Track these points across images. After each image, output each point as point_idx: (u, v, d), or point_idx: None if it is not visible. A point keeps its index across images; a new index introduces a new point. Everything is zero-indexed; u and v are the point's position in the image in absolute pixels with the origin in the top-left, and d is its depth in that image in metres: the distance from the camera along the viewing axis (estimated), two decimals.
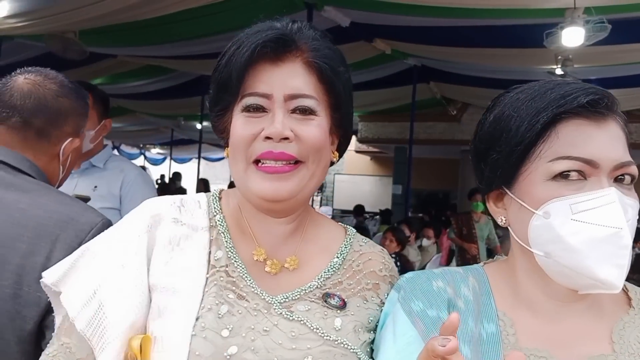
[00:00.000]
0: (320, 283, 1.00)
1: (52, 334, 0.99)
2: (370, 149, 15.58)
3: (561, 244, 0.83)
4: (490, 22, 5.58)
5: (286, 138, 0.93)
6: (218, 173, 22.38)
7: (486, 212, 6.66)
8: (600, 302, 0.91)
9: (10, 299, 1.19)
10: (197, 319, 0.89)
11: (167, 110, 11.96)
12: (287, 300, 0.96)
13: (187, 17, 5.66)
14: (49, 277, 0.98)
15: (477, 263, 1.03)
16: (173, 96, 10.43)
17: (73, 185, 2.39)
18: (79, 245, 1.29)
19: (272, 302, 0.95)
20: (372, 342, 0.97)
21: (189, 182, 15.77)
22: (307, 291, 0.98)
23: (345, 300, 0.98)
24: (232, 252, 0.99)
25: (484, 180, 0.96)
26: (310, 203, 1.13)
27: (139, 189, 2.49)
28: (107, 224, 1.38)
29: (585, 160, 0.83)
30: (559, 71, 6.14)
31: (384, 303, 1.01)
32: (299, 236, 1.05)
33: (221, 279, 0.95)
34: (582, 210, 0.82)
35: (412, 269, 3.97)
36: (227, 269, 0.97)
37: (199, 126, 11.86)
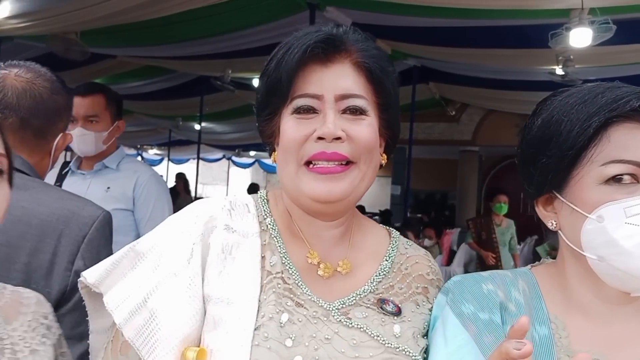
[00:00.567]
0: (372, 287, 0.99)
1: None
2: None
3: (615, 247, 0.83)
4: (491, 22, 5.59)
5: (338, 138, 0.93)
6: (215, 174, 22.34)
7: (507, 215, 6.41)
8: None
9: None
10: (256, 329, 0.87)
11: (166, 111, 11.93)
12: (343, 306, 0.95)
13: (190, 18, 5.66)
14: (89, 276, 0.95)
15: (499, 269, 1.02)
16: (172, 97, 10.41)
17: (86, 186, 2.39)
18: (83, 239, 1.30)
19: (330, 309, 0.94)
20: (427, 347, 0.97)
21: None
22: (361, 296, 0.97)
23: (400, 306, 0.98)
24: (285, 258, 0.98)
25: (533, 184, 0.95)
26: None
27: (152, 190, 2.49)
28: (108, 216, 1.38)
29: (637, 164, 0.83)
30: (559, 71, 6.16)
31: (432, 306, 1.01)
32: (347, 240, 1.04)
33: (278, 285, 0.94)
34: (636, 213, 0.82)
35: None
36: (282, 275, 0.95)
37: (197, 127, 11.83)
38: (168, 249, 0.95)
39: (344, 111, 0.95)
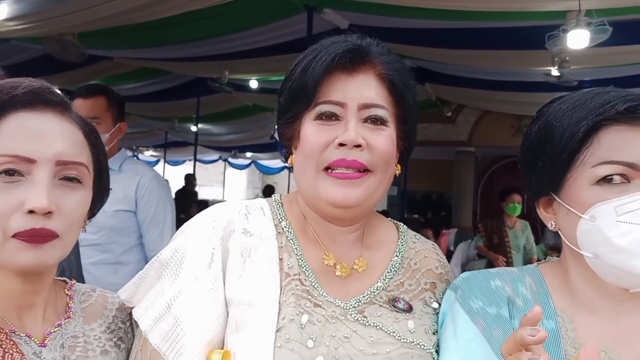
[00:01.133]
0: (384, 284, 1.02)
1: None
2: None
3: (609, 245, 0.86)
4: (487, 24, 5.62)
5: (359, 146, 0.95)
6: (211, 175, 22.31)
7: (521, 215, 5.96)
8: None
9: None
10: (277, 330, 0.89)
11: (162, 113, 11.91)
12: (359, 304, 0.98)
13: (187, 20, 5.66)
14: (122, 293, 1.00)
15: None
16: (168, 98, 10.41)
17: None
18: None
19: (347, 308, 0.96)
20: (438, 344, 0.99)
21: (182, 184, 15.71)
22: (375, 293, 1.00)
23: (410, 303, 1.01)
24: (302, 260, 1.00)
25: (532, 187, 0.99)
26: None
27: (154, 192, 2.50)
28: None
29: (626, 164, 0.86)
30: (555, 72, 6.19)
31: (439, 304, 1.04)
32: (361, 240, 1.07)
33: (297, 287, 0.96)
34: (627, 211, 0.85)
35: None
36: (300, 277, 0.98)
37: (194, 128, 11.82)
38: (188, 255, 0.97)
39: (365, 120, 0.98)
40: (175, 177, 17.28)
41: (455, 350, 0.93)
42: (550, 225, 0.98)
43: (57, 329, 0.94)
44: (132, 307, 0.99)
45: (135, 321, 0.99)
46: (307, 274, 0.99)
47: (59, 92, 0.91)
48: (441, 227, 8.36)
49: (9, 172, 0.82)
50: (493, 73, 7.56)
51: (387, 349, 0.93)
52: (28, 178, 0.83)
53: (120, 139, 2.56)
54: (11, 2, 5.16)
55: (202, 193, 19.31)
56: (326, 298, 0.97)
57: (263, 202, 1.09)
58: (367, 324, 0.96)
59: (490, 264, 5.99)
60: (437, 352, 0.98)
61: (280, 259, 0.99)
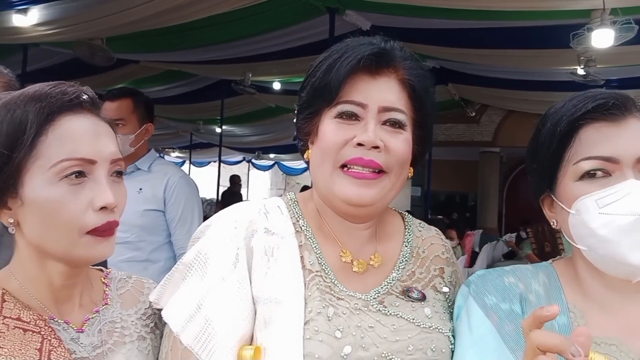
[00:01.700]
0: (398, 275, 1.06)
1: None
2: None
3: (595, 237, 0.90)
4: (511, 23, 5.57)
5: (376, 147, 0.98)
6: None
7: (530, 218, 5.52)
8: None
9: None
10: (306, 323, 0.93)
11: (187, 115, 12.09)
12: (379, 295, 1.02)
13: (211, 24, 5.76)
14: (152, 295, 1.04)
15: None
16: (193, 100, 10.55)
17: None
18: None
19: (368, 300, 1.00)
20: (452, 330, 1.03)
21: (207, 185, 15.90)
22: (391, 284, 1.04)
23: (423, 292, 1.05)
24: (321, 258, 1.03)
25: (533, 187, 1.03)
26: None
27: (182, 191, 2.56)
28: None
29: (604, 158, 0.91)
30: (581, 72, 6.10)
31: (448, 287, 1.08)
32: (374, 235, 1.10)
33: (320, 282, 1.00)
34: (607, 203, 0.89)
35: None
36: (320, 273, 1.01)
37: (218, 130, 11.96)
38: (212, 256, 1.00)
39: (384, 122, 1.00)
40: (200, 178, 17.50)
41: (470, 344, 0.96)
42: (553, 223, 1.01)
43: (94, 315, 0.99)
44: (159, 309, 1.03)
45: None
46: (326, 271, 1.02)
47: (94, 94, 0.96)
48: (465, 228, 8.28)
49: (74, 174, 0.88)
50: (517, 72, 7.47)
51: (408, 334, 0.97)
52: (90, 178, 0.89)
53: (148, 140, 2.62)
54: (42, 7, 5.33)
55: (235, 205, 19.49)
56: (347, 292, 1.01)
57: (279, 200, 1.12)
58: (388, 313, 1.00)
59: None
60: (453, 336, 1.01)
61: (302, 257, 1.02)
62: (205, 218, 1.23)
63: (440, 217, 11.11)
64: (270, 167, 20.18)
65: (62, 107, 0.89)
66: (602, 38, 4.53)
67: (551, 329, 0.92)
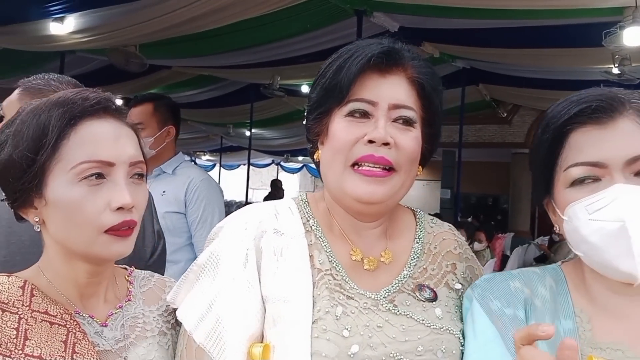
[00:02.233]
0: (410, 272, 1.06)
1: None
2: None
3: (587, 243, 0.89)
4: (542, 22, 5.48)
5: (387, 144, 0.99)
6: (264, 179, 22.69)
7: None
8: None
9: None
10: (314, 322, 0.94)
11: (218, 118, 12.27)
12: (389, 294, 1.02)
13: (241, 28, 5.85)
14: (169, 296, 1.07)
15: None
16: (223, 104, 10.70)
17: None
18: (153, 207, 1.58)
19: (378, 299, 1.01)
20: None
21: (237, 187, 16.08)
22: (403, 282, 1.04)
23: (435, 290, 1.05)
24: (332, 256, 1.05)
25: (534, 192, 1.03)
26: None
27: (203, 193, 2.60)
28: None
29: (590, 163, 0.89)
30: (615, 70, 5.95)
31: (461, 284, 1.07)
32: (385, 233, 1.11)
33: (329, 281, 1.01)
34: (596, 209, 0.87)
35: None
36: (331, 272, 1.02)
37: (247, 133, 12.10)
38: (223, 257, 1.03)
39: (395, 120, 1.01)
40: (230, 180, 17.70)
41: (474, 349, 0.96)
42: (556, 228, 0.99)
43: (118, 310, 1.03)
44: (176, 308, 1.06)
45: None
46: (337, 269, 1.03)
47: (117, 100, 1.01)
48: (495, 231, 8.15)
49: (96, 176, 0.92)
50: (550, 72, 7.33)
51: (418, 335, 0.97)
52: (109, 179, 0.93)
53: (175, 143, 2.67)
54: (77, 16, 5.51)
55: (256, 196, 19.70)
56: (357, 291, 1.01)
57: (290, 201, 1.14)
58: (397, 313, 0.99)
59: None
60: (464, 336, 1.01)
61: (311, 256, 1.03)
62: None
63: (470, 219, 10.98)
64: (299, 169, 20.26)
65: (83, 112, 0.93)
66: (634, 36, 4.42)
67: (557, 334, 0.91)
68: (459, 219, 9.60)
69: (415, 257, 1.09)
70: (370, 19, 5.55)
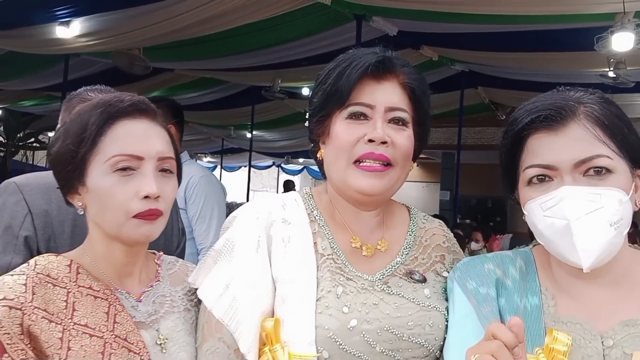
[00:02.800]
0: (402, 259, 1.19)
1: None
2: None
3: (542, 236, 1.01)
4: (538, 27, 5.58)
5: (385, 142, 1.12)
6: (265, 181, 22.82)
7: None
8: (634, 275, 1.04)
9: None
10: (317, 300, 1.08)
11: (219, 120, 12.37)
12: (383, 276, 1.16)
13: (243, 32, 5.95)
14: (190, 278, 1.21)
15: None
16: (225, 106, 10.81)
17: None
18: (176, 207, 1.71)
19: (374, 281, 1.14)
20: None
21: (238, 189, 16.18)
22: (395, 267, 1.18)
23: (424, 275, 1.18)
24: (333, 243, 1.18)
25: (503, 191, 1.15)
26: None
27: (202, 190, 2.72)
28: None
29: (544, 166, 1.00)
30: (611, 74, 6.06)
31: (447, 272, 1.20)
32: (382, 223, 1.24)
33: (331, 265, 1.14)
34: (548, 207, 0.98)
35: None
36: (332, 257, 1.15)
37: (249, 135, 12.20)
38: (238, 243, 1.16)
39: (390, 121, 1.15)
40: (231, 182, 17.79)
41: (453, 323, 1.09)
42: (524, 218, 1.08)
43: (149, 288, 1.18)
44: (197, 288, 1.19)
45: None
46: (338, 254, 1.16)
47: (150, 103, 1.14)
48: (493, 232, 8.24)
49: (124, 168, 1.05)
50: (547, 75, 7.43)
51: (409, 312, 1.11)
52: (138, 172, 1.06)
53: (180, 142, 2.76)
54: (83, 20, 5.63)
55: (256, 198, 19.78)
56: (355, 273, 1.14)
57: (296, 195, 1.27)
58: (391, 292, 1.13)
59: None
60: (448, 313, 1.14)
61: (315, 243, 1.17)
62: None
63: (468, 221, 11.07)
64: (300, 171, 20.37)
65: (119, 112, 1.08)
66: (622, 41, 4.55)
67: (524, 311, 1.04)
68: (458, 221, 9.69)
69: (408, 247, 1.22)
70: (369, 23, 5.65)
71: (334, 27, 5.89)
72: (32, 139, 14.26)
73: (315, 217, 1.21)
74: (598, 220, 0.94)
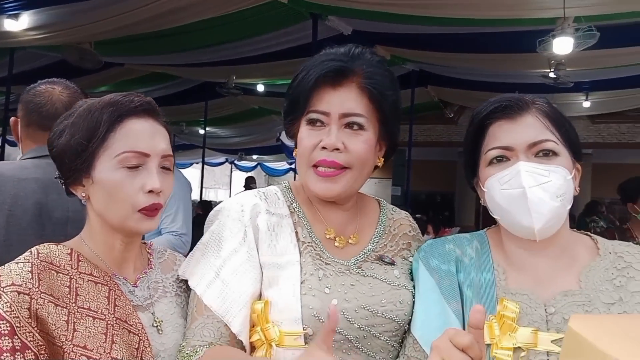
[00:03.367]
0: (373, 247, 1.31)
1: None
2: None
3: (500, 208, 1.16)
4: (485, 29, 5.86)
5: (337, 149, 1.20)
6: (217, 178, 22.57)
7: None
8: (574, 252, 1.20)
9: None
10: (302, 283, 1.17)
11: (171, 116, 11.97)
12: (357, 262, 1.27)
13: (197, 28, 5.93)
14: (180, 270, 1.28)
15: None
16: (177, 102, 10.64)
17: None
18: None
19: (349, 265, 1.25)
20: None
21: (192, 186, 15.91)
22: (367, 253, 1.29)
23: (393, 259, 1.30)
24: (311, 233, 1.28)
25: (466, 177, 1.29)
26: None
27: None
28: None
29: (503, 147, 1.16)
30: (552, 75, 6.43)
31: (413, 256, 1.33)
32: (355, 217, 1.34)
33: (311, 251, 1.24)
34: (505, 182, 1.15)
35: None
36: (311, 244, 1.25)
37: (201, 131, 12.09)
38: (225, 234, 1.24)
39: (346, 126, 1.21)
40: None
41: (418, 296, 1.23)
42: (482, 202, 1.24)
43: (143, 275, 1.24)
44: (186, 279, 1.26)
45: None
46: (316, 242, 1.26)
47: (155, 104, 1.20)
48: (442, 225, 8.59)
49: (135, 165, 1.11)
50: (493, 75, 7.77)
51: (381, 291, 1.22)
52: (143, 168, 1.13)
53: None
54: (32, 13, 5.46)
55: (209, 195, 19.59)
56: (333, 259, 1.25)
57: (276, 188, 1.36)
58: (365, 275, 1.24)
59: None
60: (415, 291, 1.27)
61: (296, 232, 1.26)
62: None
63: (419, 215, 11.42)
64: (253, 168, 20.28)
65: (128, 111, 1.14)
66: (562, 45, 4.89)
67: (479, 284, 1.19)
68: None
69: (378, 236, 1.33)
70: (325, 22, 5.77)
71: (291, 25, 5.97)
72: None
73: (294, 209, 1.30)
74: (547, 190, 1.11)
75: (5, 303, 0.99)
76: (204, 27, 5.96)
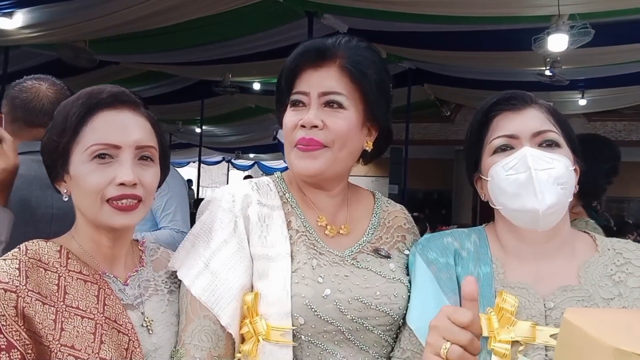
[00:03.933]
0: (368, 238, 1.30)
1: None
2: None
3: (505, 194, 1.17)
4: (481, 27, 5.86)
5: (316, 126, 1.20)
6: (214, 177, 22.58)
7: None
8: (573, 248, 1.21)
9: None
10: (294, 271, 1.16)
11: (167, 115, 12.13)
12: (352, 253, 1.26)
13: (193, 26, 5.92)
14: (170, 262, 1.26)
15: None
16: (173, 101, 10.62)
17: None
18: None
19: (344, 256, 1.24)
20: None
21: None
22: (362, 245, 1.28)
23: (389, 252, 1.29)
24: (305, 222, 1.27)
25: (467, 170, 1.30)
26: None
27: (165, 184, 2.79)
28: None
29: (508, 136, 1.18)
30: (547, 72, 6.43)
31: (409, 250, 1.33)
32: (346, 207, 1.34)
33: (305, 240, 1.23)
34: (510, 167, 1.16)
35: None
36: (305, 234, 1.25)
37: (198, 130, 12.06)
38: (216, 225, 1.23)
39: (325, 105, 1.22)
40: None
41: (414, 288, 1.23)
42: (482, 196, 1.25)
43: (134, 273, 1.22)
44: (176, 271, 1.24)
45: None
46: (310, 232, 1.25)
47: (132, 94, 1.19)
48: (439, 224, 8.59)
49: (102, 156, 1.10)
50: (489, 73, 7.78)
51: (376, 283, 1.21)
52: (116, 160, 1.11)
53: None
54: (27, 11, 5.44)
55: (206, 194, 19.53)
56: (327, 249, 1.24)
57: (268, 179, 1.36)
58: (359, 267, 1.23)
59: None
60: (411, 285, 1.26)
61: (289, 222, 1.25)
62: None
63: (416, 214, 11.43)
64: (250, 167, 20.27)
65: (99, 103, 1.13)
66: (557, 42, 4.90)
67: (477, 277, 1.18)
68: None
69: (373, 227, 1.33)
70: (321, 21, 5.76)
71: (286, 23, 5.96)
72: None
73: (287, 199, 1.30)
74: (551, 176, 1.12)
75: None
76: (199, 25, 5.95)
